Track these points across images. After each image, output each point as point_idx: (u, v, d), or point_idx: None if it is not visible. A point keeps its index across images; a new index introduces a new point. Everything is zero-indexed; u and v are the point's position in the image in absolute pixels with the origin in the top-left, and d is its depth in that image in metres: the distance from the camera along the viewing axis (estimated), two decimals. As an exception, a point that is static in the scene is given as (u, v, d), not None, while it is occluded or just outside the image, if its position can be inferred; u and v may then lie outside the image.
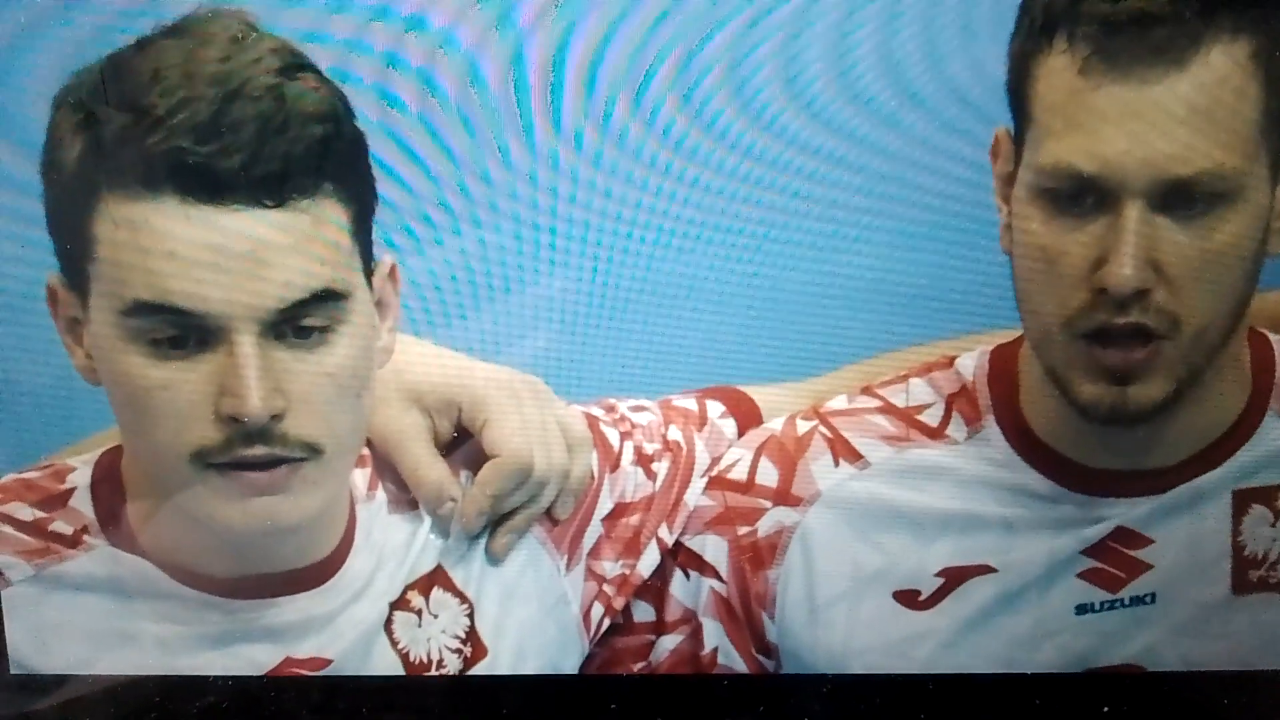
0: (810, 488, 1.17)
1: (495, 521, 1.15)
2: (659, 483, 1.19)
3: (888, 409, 1.18)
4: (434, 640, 1.14)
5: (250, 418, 0.98)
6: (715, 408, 1.21)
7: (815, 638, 1.18)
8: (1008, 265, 1.10)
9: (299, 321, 0.99)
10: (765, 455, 1.19)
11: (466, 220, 1.12)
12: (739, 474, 1.19)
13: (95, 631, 1.10)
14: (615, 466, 1.18)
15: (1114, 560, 1.14)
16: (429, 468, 1.12)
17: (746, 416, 1.21)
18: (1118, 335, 1.04)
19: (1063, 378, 1.08)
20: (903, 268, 1.13)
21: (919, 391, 1.18)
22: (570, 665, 1.19)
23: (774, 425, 1.20)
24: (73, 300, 1.02)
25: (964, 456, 1.16)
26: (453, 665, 1.15)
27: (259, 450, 1.00)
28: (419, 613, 1.14)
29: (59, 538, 1.08)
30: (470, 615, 1.15)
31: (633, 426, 1.19)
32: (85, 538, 1.08)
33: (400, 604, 1.13)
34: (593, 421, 1.17)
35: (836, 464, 1.17)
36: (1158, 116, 1.00)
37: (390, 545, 1.13)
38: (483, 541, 1.15)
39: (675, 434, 1.20)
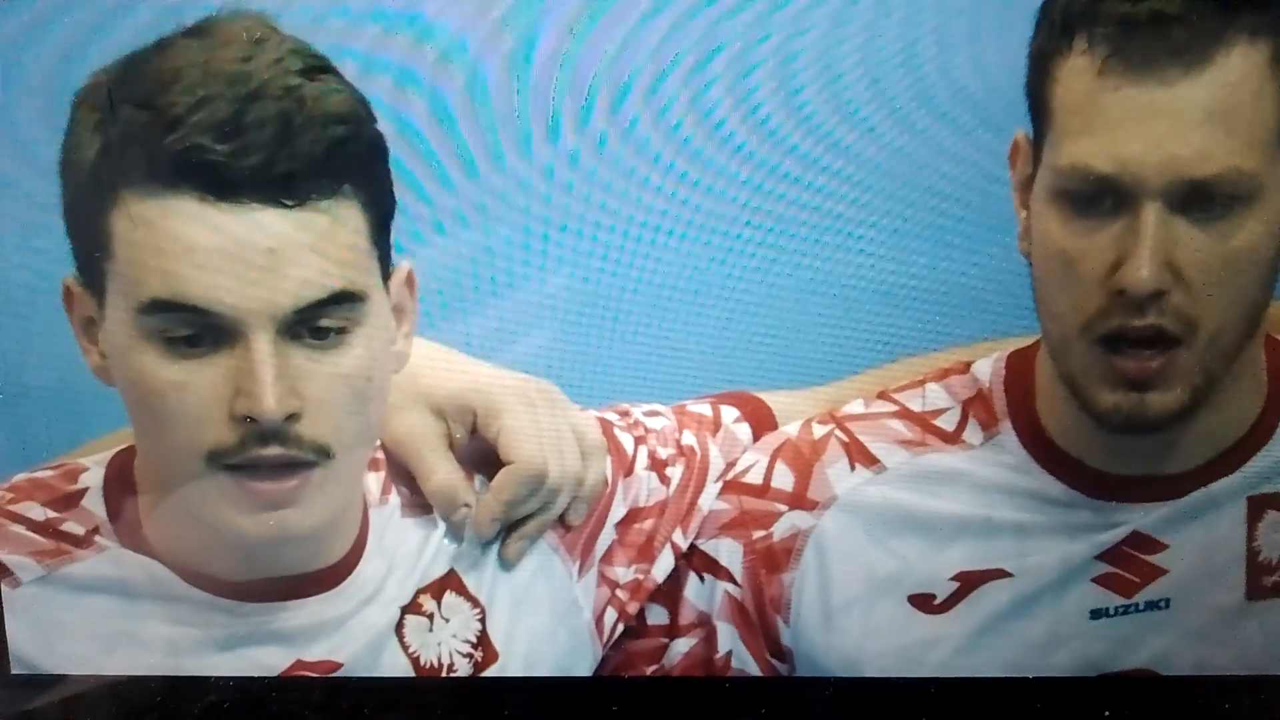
0: (826, 492, 1.17)
1: (508, 527, 1.15)
2: (673, 487, 1.18)
3: (904, 414, 1.18)
4: (445, 644, 1.14)
5: (265, 418, 0.98)
6: (730, 413, 1.21)
7: (829, 642, 1.17)
8: (1026, 270, 1.09)
9: (315, 322, 0.99)
10: (781, 459, 1.18)
11: (469, 219, 1.12)
12: (754, 478, 1.19)
13: (104, 633, 1.10)
14: (629, 472, 1.17)
15: (1129, 565, 1.14)
16: (444, 473, 1.12)
17: (761, 421, 1.21)
18: (1135, 339, 1.04)
19: (1080, 386, 1.08)
20: (919, 271, 1.13)
21: (935, 396, 1.17)
22: (582, 670, 1.19)
23: (789, 429, 1.20)
24: (89, 300, 1.02)
25: (979, 461, 1.15)
26: (463, 669, 1.15)
27: (273, 450, 0.99)
28: (430, 617, 1.13)
29: (70, 538, 1.08)
30: (482, 620, 1.15)
31: (647, 431, 1.19)
32: (96, 538, 1.08)
33: (412, 608, 1.13)
34: (606, 426, 1.17)
35: (852, 468, 1.17)
36: (1176, 117, 0.99)
37: (403, 550, 1.13)
38: (495, 547, 1.15)
39: (689, 439, 1.19)
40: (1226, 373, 1.07)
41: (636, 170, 1.12)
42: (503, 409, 1.11)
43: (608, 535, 1.17)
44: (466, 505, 1.12)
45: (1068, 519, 1.14)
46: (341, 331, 1.00)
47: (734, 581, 1.18)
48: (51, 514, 1.08)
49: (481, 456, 1.13)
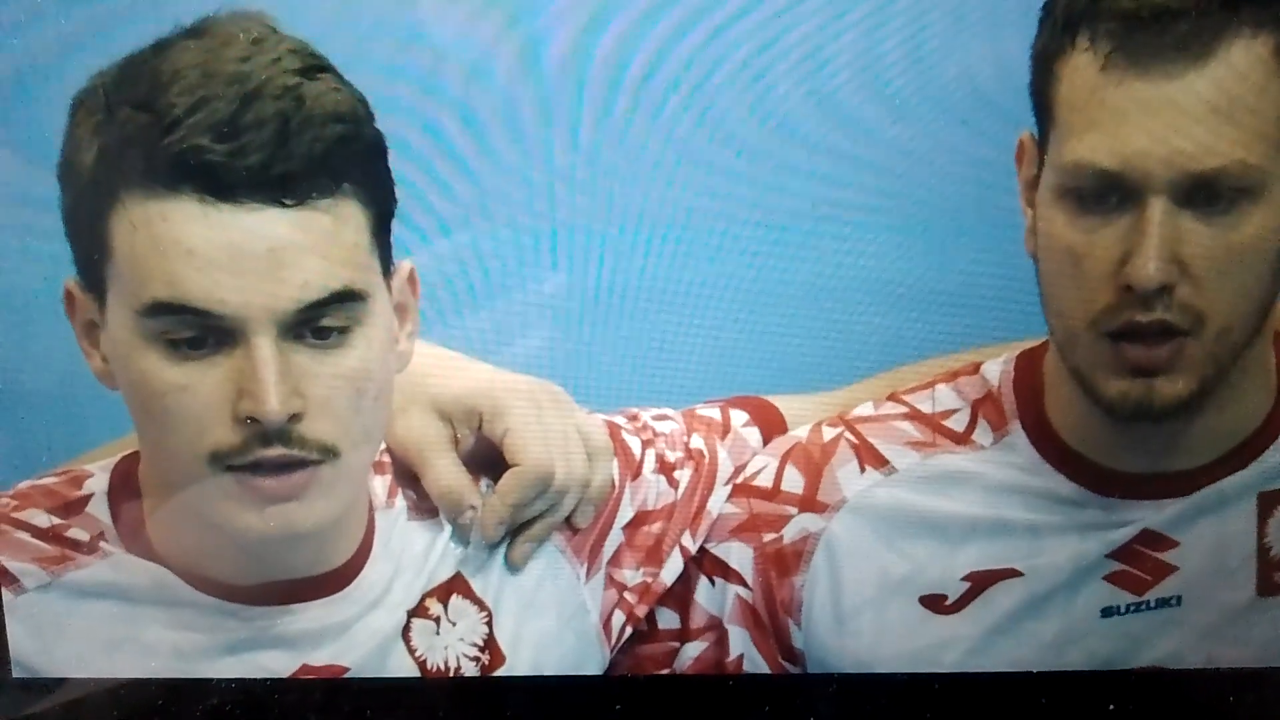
0: (836, 494, 1.17)
1: (515, 530, 1.15)
2: (681, 491, 1.18)
3: (914, 415, 1.18)
4: (451, 648, 1.14)
5: (268, 418, 0.98)
6: (739, 416, 1.21)
7: (842, 644, 1.17)
8: (1033, 270, 1.09)
9: (317, 322, 0.99)
10: (791, 462, 1.18)
11: (470, 219, 1.12)
12: (764, 481, 1.18)
13: (109, 638, 1.10)
14: (637, 474, 1.17)
15: (1140, 563, 1.14)
16: (450, 476, 1.12)
17: (771, 425, 1.21)
18: (1143, 333, 1.04)
19: (1088, 376, 1.08)
20: (927, 273, 1.13)
21: (945, 398, 1.18)
22: (590, 673, 1.19)
23: (799, 432, 1.20)
24: (90, 303, 1.02)
25: (990, 462, 1.15)
26: (470, 673, 1.15)
27: (277, 451, 0.99)
28: (437, 620, 1.14)
29: (75, 544, 1.08)
30: (489, 623, 1.15)
31: (655, 435, 1.19)
32: (102, 544, 1.08)
33: (418, 611, 1.13)
34: (614, 430, 1.17)
35: (862, 470, 1.17)
36: (1180, 112, 1.00)
37: (409, 553, 1.13)
38: (502, 549, 1.15)
39: (698, 442, 1.19)
40: (1235, 366, 1.07)
41: (641, 170, 1.12)
42: (508, 411, 1.11)
43: (615, 538, 1.17)
44: (473, 508, 1.12)
45: (1078, 518, 1.14)
46: (344, 331, 1.00)
47: (745, 585, 1.18)
48: (56, 520, 1.08)
49: (487, 459, 1.13)
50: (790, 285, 1.14)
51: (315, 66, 0.98)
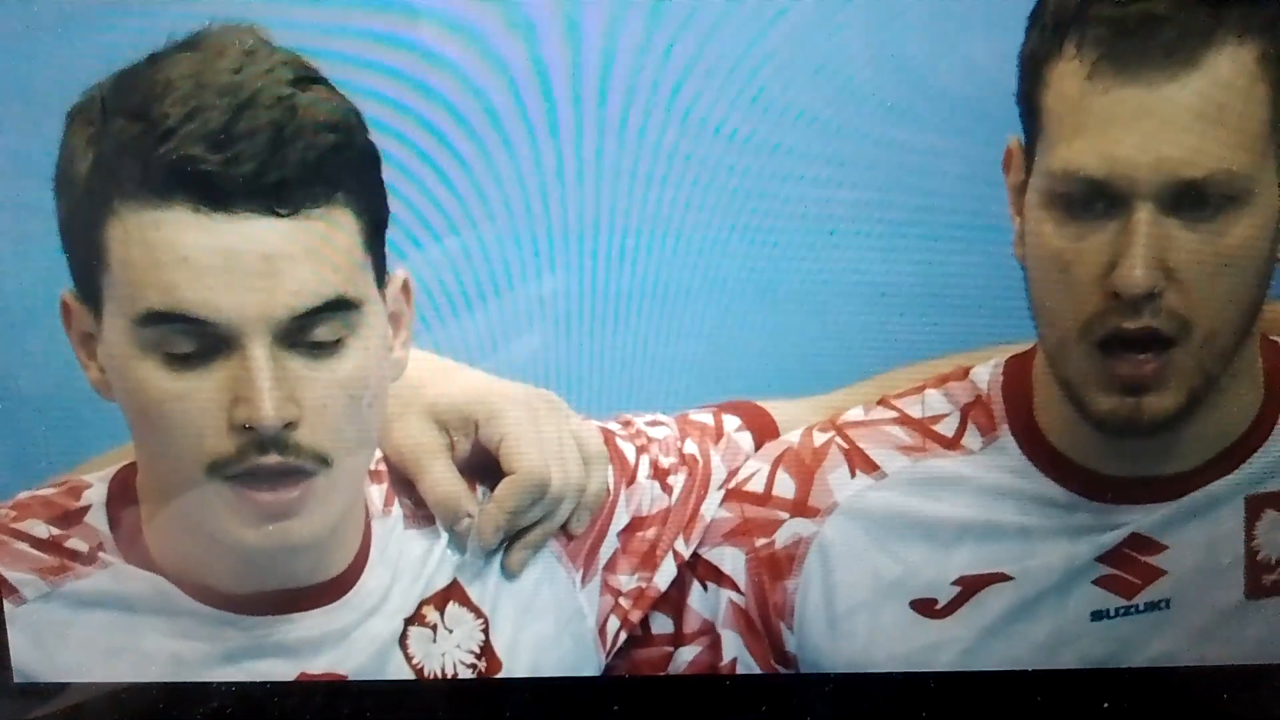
0: (827, 499, 1.17)
1: (511, 537, 1.15)
2: (675, 496, 1.18)
3: (904, 420, 1.18)
4: (449, 655, 1.14)
5: (264, 425, 0.98)
6: (731, 421, 1.21)
7: (834, 648, 1.17)
8: (1022, 273, 1.10)
9: (311, 330, 1.00)
10: (782, 467, 1.19)
11: (463, 224, 1.12)
12: (756, 486, 1.19)
13: (108, 648, 1.10)
14: (631, 480, 1.18)
15: (1129, 567, 1.14)
16: (446, 483, 1.12)
17: (763, 430, 1.21)
18: (1131, 341, 1.05)
19: (1077, 391, 1.09)
20: (918, 277, 1.13)
21: (934, 402, 1.18)
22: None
23: (791, 437, 1.20)
24: (86, 314, 1.02)
25: (980, 466, 1.16)
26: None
27: (272, 459, 1.00)
28: (434, 628, 1.14)
29: (74, 555, 1.09)
30: (485, 630, 1.15)
31: (649, 440, 1.19)
32: (100, 554, 1.09)
33: (415, 619, 1.13)
34: (609, 436, 1.17)
35: (853, 475, 1.17)
36: (1167, 119, 1.00)
37: (406, 561, 1.13)
38: (498, 556, 1.15)
39: (691, 447, 1.19)
40: (1223, 373, 1.08)
41: (632, 173, 1.12)
42: (504, 419, 1.12)
43: (610, 544, 1.17)
44: (469, 515, 1.12)
45: (1068, 521, 1.14)
46: (338, 339, 1.01)
47: (737, 589, 1.18)
48: (55, 531, 1.09)
49: (484, 466, 1.13)
50: (781, 289, 1.14)
51: (308, 77, 0.99)
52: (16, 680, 1.12)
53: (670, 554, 1.18)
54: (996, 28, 1.07)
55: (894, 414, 1.18)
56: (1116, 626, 1.15)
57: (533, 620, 1.16)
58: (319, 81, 1.00)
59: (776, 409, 1.21)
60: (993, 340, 1.16)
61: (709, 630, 1.19)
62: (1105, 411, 1.08)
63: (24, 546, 1.09)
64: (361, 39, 1.07)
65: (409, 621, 1.13)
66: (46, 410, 1.12)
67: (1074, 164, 1.03)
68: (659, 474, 1.18)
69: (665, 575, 1.18)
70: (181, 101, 0.95)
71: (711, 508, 1.19)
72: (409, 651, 1.13)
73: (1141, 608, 1.15)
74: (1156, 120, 1.00)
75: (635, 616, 1.18)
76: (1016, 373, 1.16)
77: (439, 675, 1.14)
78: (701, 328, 1.15)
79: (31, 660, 1.12)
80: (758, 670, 1.19)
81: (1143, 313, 1.03)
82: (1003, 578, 1.15)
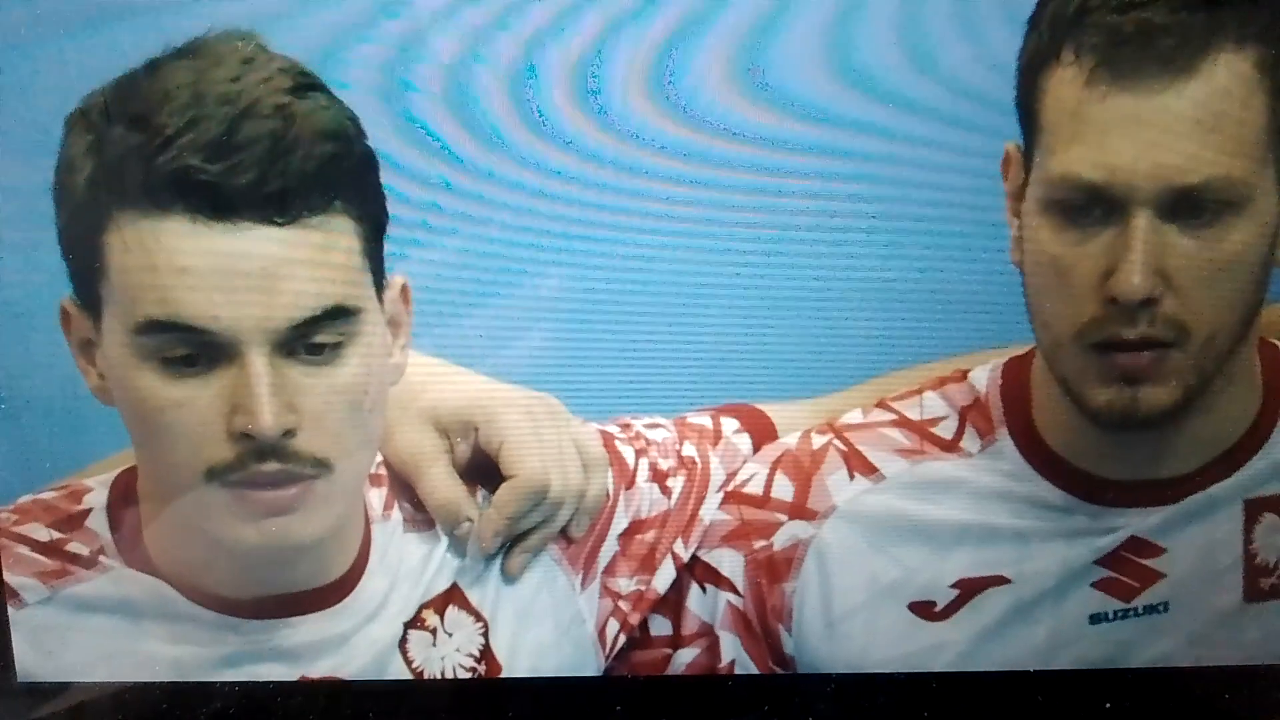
0: (825, 501, 1.17)
1: (511, 541, 1.15)
2: (674, 499, 1.18)
3: (902, 422, 1.18)
4: (448, 659, 1.15)
5: (263, 433, 0.99)
6: (730, 424, 1.20)
7: (832, 650, 1.18)
8: (1019, 279, 1.10)
9: (310, 338, 1.00)
10: (781, 470, 1.19)
11: (464, 224, 1.12)
12: (754, 488, 1.19)
13: (109, 652, 1.11)
14: (631, 484, 1.18)
15: (1127, 570, 1.14)
16: (446, 488, 1.12)
17: (761, 432, 1.21)
18: (1128, 347, 1.05)
19: (1074, 386, 1.08)
20: (914, 281, 1.13)
21: (932, 405, 1.18)
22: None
23: (789, 440, 1.20)
24: (85, 321, 1.03)
25: (977, 469, 1.16)
26: None
27: (271, 466, 1.00)
28: (434, 631, 1.14)
29: (75, 559, 1.09)
30: (485, 634, 1.15)
31: (648, 443, 1.19)
32: (101, 558, 1.09)
33: (415, 623, 1.14)
34: (608, 439, 1.17)
35: (851, 477, 1.17)
36: (1165, 126, 1.00)
37: (406, 565, 1.14)
38: (498, 561, 1.15)
39: (690, 450, 1.19)
40: (1220, 375, 1.08)
41: (632, 174, 1.12)
42: (504, 424, 1.12)
43: (610, 547, 1.17)
44: (469, 520, 1.13)
45: (1066, 524, 1.14)
46: (337, 346, 1.01)
47: (736, 592, 1.18)
48: (56, 535, 1.09)
49: (484, 470, 1.14)
50: (780, 292, 1.14)
51: (306, 85, 0.99)
52: (21, 680, 1.13)
53: (669, 557, 1.18)
54: (999, 29, 1.07)
55: (892, 416, 1.18)
56: (1115, 629, 1.15)
57: (532, 624, 1.16)
58: (317, 89, 1.00)
59: (774, 411, 1.21)
60: (991, 344, 1.16)
61: (707, 632, 1.19)
62: (1103, 404, 1.07)
63: (24, 550, 1.09)
64: (358, 38, 1.07)
65: (409, 625, 1.13)
66: (49, 413, 1.12)
67: (1072, 170, 1.03)
68: (658, 477, 1.18)
69: (664, 578, 1.18)
70: (180, 111, 0.96)
71: (710, 510, 1.19)
72: (409, 655, 1.13)
73: (1140, 611, 1.15)
74: (1154, 127, 1.00)
75: (634, 619, 1.18)
76: (1015, 375, 1.16)
77: (439, 679, 1.14)
78: (699, 330, 1.15)
79: (32, 664, 1.12)
80: (755, 671, 1.19)
81: (1140, 320, 1.04)
82: (1001, 580, 1.15)
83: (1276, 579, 1.15)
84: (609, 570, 1.18)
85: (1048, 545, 1.15)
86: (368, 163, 1.04)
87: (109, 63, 1.01)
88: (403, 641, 1.13)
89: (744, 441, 1.21)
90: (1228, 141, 1.01)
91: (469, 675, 1.15)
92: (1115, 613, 1.15)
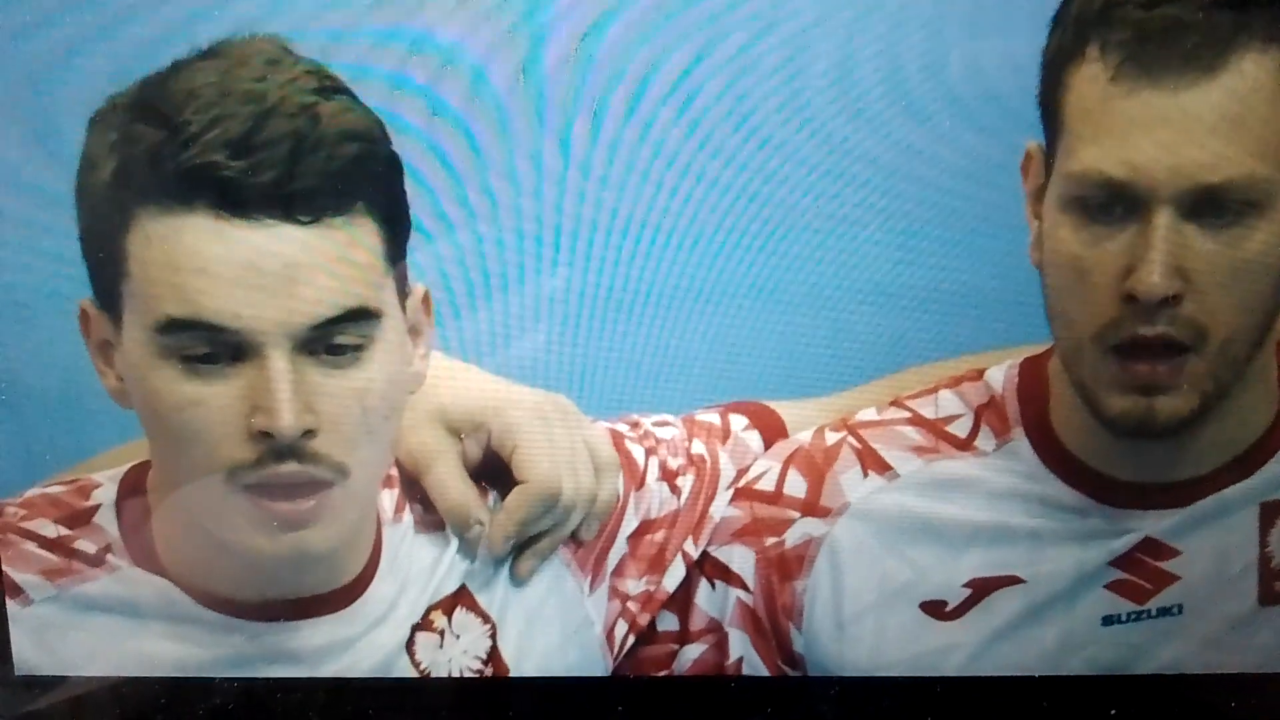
0: (839, 499, 1.17)
1: (521, 544, 1.14)
2: (684, 498, 1.18)
3: (917, 421, 1.17)
4: (455, 660, 1.14)
5: (282, 433, 0.98)
6: (739, 420, 1.20)
7: (842, 649, 1.17)
8: (1036, 275, 1.09)
9: (331, 339, 0.99)
10: (793, 466, 1.18)
11: (470, 223, 1.11)
12: (766, 485, 1.18)
13: (115, 652, 1.10)
14: (640, 484, 1.17)
15: (1141, 572, 1.14)
16: (457, 491, 1.12)
17: (771, 430, 1.20)
18: (1147, 347, 1.04)
19: (1091, 392, 1.08)
20: (927, 279, 1.13)
21: (948, 403, 1.17)
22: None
23: (802, 437, 1.20)
24: (105, 322, 1.02)
25: (992, 468, 1.15)
26: None
27: (290, 467, 1.00)
28: (441, 633, 1.14)
29: (82, 556, 1.08)
30: (492, 636, 1.15)
31: (657, 442, 1.19)
32: (108, 557, 1.08)
33: (423, 625, 1.13)
34: (618, 439, 1.17)
35: (865, 475, 1.17)
36: (1189, 124, 1.00)
37: (416, 567, 1.13)
38: (507, 563, 1.15)
39: (699, 448, 1.19)
40: (1237, 381, 1.07)
41: (642, 173, 1.11)
42: (517, 427, 1.11)
43: (619, 549, 1.17)
44: (480, 523, 1.12)
45: (1080, 525, 1.14)
46: (357, 348, 1.00)
47: (746, 588, 1.18)
48: (64, 531, 1.08)
49: (495, 473, 1.13)
50: (792, 290, 1.14)
51: (331, 87, 0.99)
52: (19, 673, 1.12)
53: (679, 556, 1.17)
54: (1008, 29, 1.07)
55: (907, 414, 1.18)
56: (1127, 632, 1.15)
57: (540, 627, 1.16)
58: (342, 91, 1.00)
59: (786, 409, 1.21)
60: (1004, 343, 1.16)
61: (716, 629, 1.19)
62: (1118, 413, 1.07)
63: (31, 547, 1.08)
64: (364, 42, 1.07)
65: (416, 627, 1.13)
66: (53, 406, 1.12)
67: (1095, 167, 1.02)
68: (667, 476, 1.18)
69: (674, 577, 1.18)
70: (204, 109, 0.95)
71: (720, 508, 1.19)
72: (416, 657, 1.13)
73: (1154, 613, 1.14)
74: (1178, 125, 1.00)
75: (643, 620, 1.18)
76: (1031, 375, 1.16)
77: (440, 677, 1.14)
78: (712, 329, 1.15)
79: (33, 659, 1.11)
80: (763, 670, 1.19)
81: (1159, 319, 1.03)
82: (1014, 581, 1.15)
83: (1292, 582, 1.15)
84: (618, 572, 1.17)
85: (1061, 546, 1.14)
86: (393, 166, 1.03)
87: (108, 60, 1.02)
88: (410, 643, 1.13)
89: (753, 438, 1.20)
90: (1251, 141, 1.00)
91: (476, 677, 1.15)
92: (1128, 615, 1.15)
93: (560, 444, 1.12)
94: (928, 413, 1.18)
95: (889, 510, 1.16)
